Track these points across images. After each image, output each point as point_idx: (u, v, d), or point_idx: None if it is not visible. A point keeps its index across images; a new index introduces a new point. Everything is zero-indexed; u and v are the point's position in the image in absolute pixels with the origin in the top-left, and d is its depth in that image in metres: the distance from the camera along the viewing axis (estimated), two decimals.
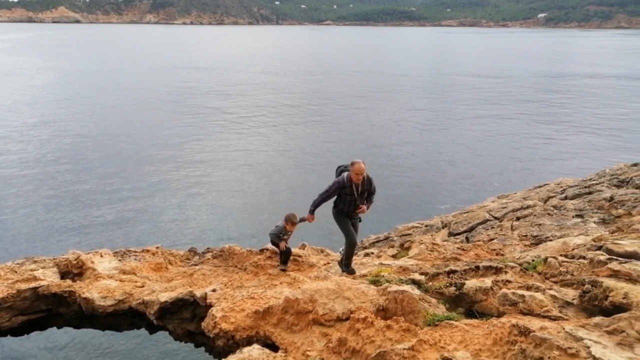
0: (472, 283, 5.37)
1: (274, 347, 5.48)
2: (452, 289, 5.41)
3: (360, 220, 8.55)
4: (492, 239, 14.22)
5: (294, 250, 9.53)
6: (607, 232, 12.46)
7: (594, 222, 13.37)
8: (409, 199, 30.01)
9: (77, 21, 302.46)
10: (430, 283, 5.85)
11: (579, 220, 13.79)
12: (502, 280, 5.39)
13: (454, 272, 6.19)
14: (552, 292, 4.93)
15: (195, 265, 11.43)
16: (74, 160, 33.57)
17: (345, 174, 7.92)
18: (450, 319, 4.66)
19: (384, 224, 24.15)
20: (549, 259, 5.92)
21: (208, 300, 6.67)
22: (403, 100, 59.02)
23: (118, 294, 9.80)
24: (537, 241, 13.28)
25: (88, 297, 9.69)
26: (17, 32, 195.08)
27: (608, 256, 5.19)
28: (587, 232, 12.57)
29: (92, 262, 11.04)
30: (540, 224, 14.55)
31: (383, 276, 6.19)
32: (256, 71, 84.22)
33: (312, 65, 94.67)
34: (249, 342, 5.66)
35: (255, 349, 4.01)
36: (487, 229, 15.61)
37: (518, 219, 15.64)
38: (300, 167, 33.79)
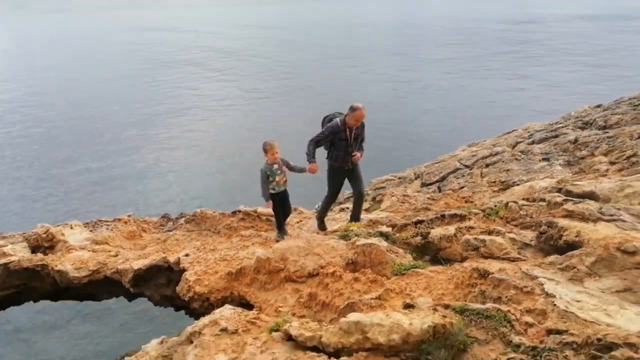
0: (436, 231, 5.54)
1: (249, 306, 5.60)
2: (418, 238, 5.58)
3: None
4: (462, 187, 14.57)
5: (264, 210, 9.39)
6: (571, 174, 12.90)
7: (560, 165, 13.78)
8: (383, 152, 30.18)
9: None
10: (398, 234, 6.01)
11: (545, 163, 14.20)
12: (466, 227, 5.57)
13: (421, 222, 6.36)
14: (511, 235, 5.14)
15: (170, 231, 11.43)
16: (37, 130, 32.42)
17: (338, 118, 7.49)
18: (416, 267, 4.82)
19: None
20: (510, 204, 6.13)
21: (181, 265, 6.72)
22: (374, 51, 58.25)
23: (92, 264, 9.75)
24: (505, 186, 13.66)
25: (61, 270, 9.62)
26: None
27: (564, 197, 5.40)
28: (552, 175, 12.98)
29: (63, 235, 10.91)
30: (508, 170, 14.93)
31: (352, 230, 6.32)
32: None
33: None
34: (223, 303, 5.75)
35: (227, 309, 4.10)
36: (458, 177, 15.95)
37: (487, 165, 16.00)
38: (277, 123, 33.17)
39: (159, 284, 8.03)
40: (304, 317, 4.28)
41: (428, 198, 12.00)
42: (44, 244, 10.81)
